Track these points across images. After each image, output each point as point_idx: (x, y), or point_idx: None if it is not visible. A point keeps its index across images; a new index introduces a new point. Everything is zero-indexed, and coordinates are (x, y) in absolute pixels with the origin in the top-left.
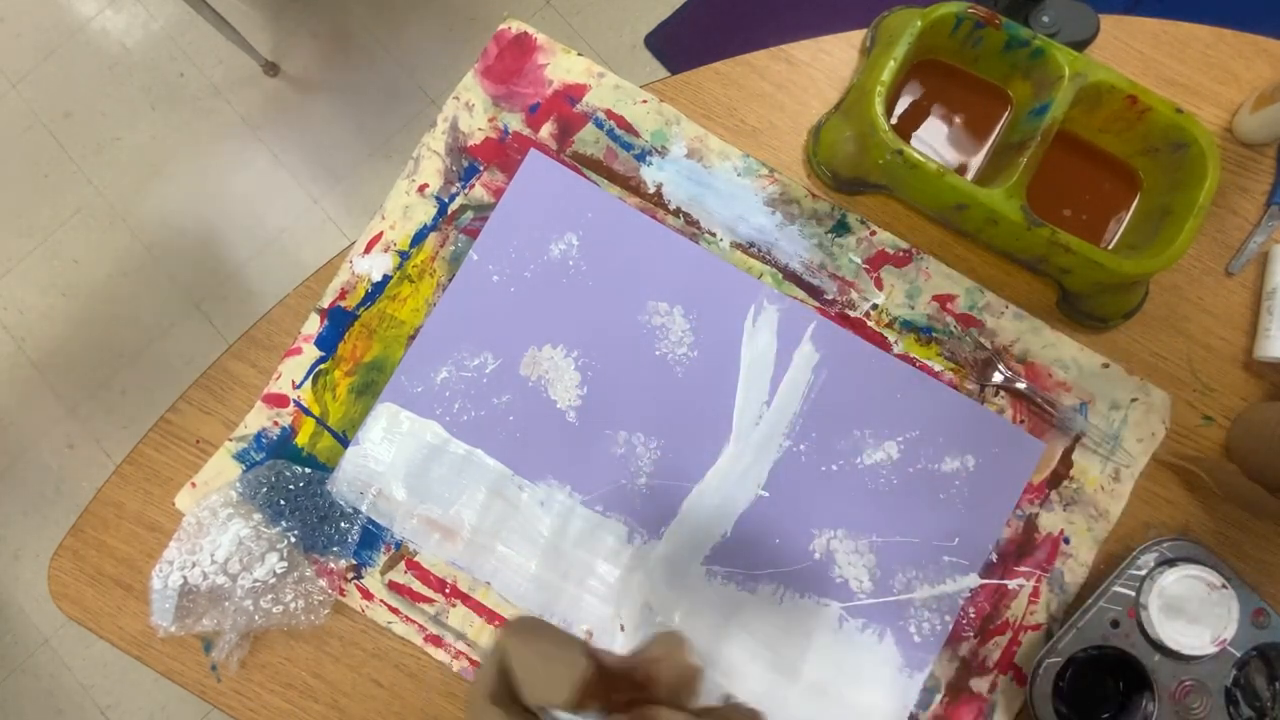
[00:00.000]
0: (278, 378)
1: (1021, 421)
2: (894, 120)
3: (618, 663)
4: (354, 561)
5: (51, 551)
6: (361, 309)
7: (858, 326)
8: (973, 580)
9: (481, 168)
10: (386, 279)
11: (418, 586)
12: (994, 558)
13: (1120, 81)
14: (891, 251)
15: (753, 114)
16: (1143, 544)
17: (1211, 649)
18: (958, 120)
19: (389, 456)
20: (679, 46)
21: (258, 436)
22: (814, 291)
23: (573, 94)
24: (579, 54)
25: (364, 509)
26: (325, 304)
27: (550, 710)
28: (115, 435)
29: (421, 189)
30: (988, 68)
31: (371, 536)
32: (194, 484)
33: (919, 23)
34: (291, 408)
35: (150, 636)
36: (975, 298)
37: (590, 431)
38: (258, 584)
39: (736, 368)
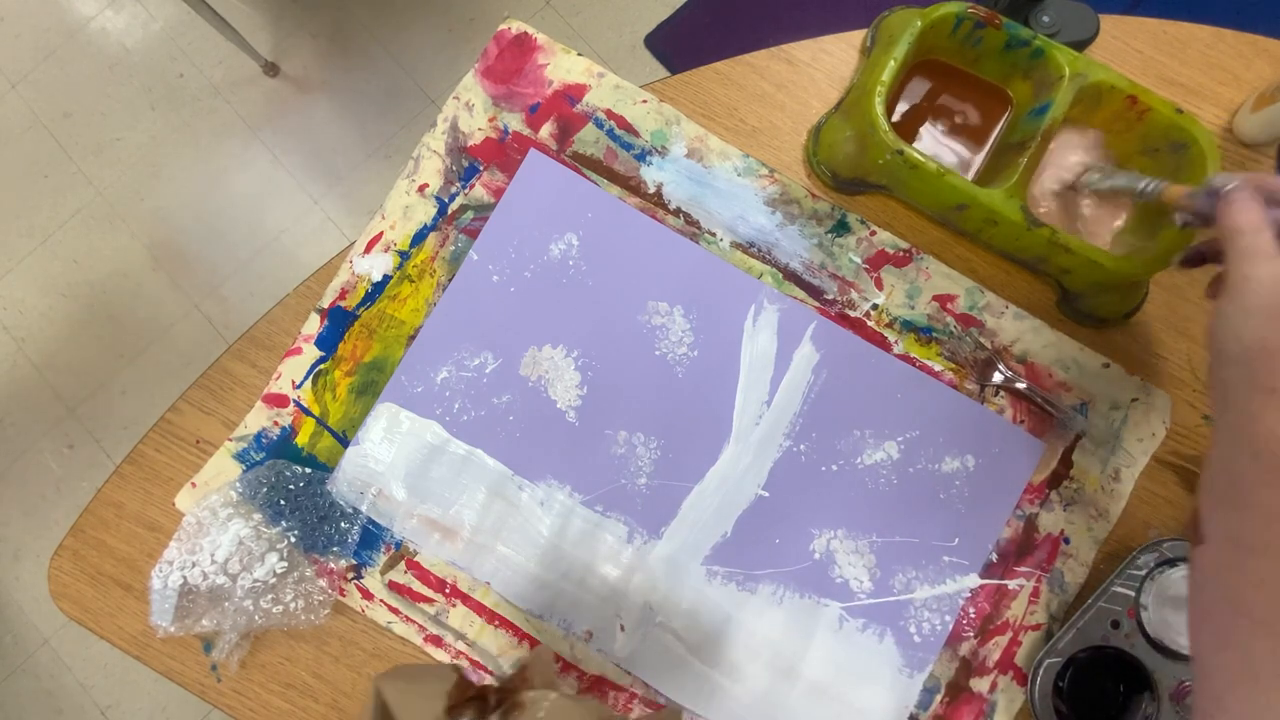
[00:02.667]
0: (278, 378)
1: (1021, 421)
2: (894, 120)
3: (491, 687)
4: (354, 561)
5: (51, 551)
6: (361, 309)
7: (858, 326)
8: (973, 580)
9: (481, 168)
10: (386, 279)
11: (418, 586)
12: (994, 558)
13: (1120, 81)
14: (891, 251)
15: (753, 114)
16: (1143, 544)
17: None
18: (958, 120)
19: (389, 456)
20: (679, 46)
21: (258, 436)
22: (814, 291)
23: (573, 94)
24: (579, 54)
25: (364, 509)
26: (325, 304)
27: None
28: (115, 435)
29: (421, 189)
30: (988, 68)
31: (371, 536)
32: (194, 484)
33: (919, 23)
34: (291, 408)
35: (150, 636)
36: (975, 298)
37: (590, 431)
38: (258, 584)
39: (736, 368)
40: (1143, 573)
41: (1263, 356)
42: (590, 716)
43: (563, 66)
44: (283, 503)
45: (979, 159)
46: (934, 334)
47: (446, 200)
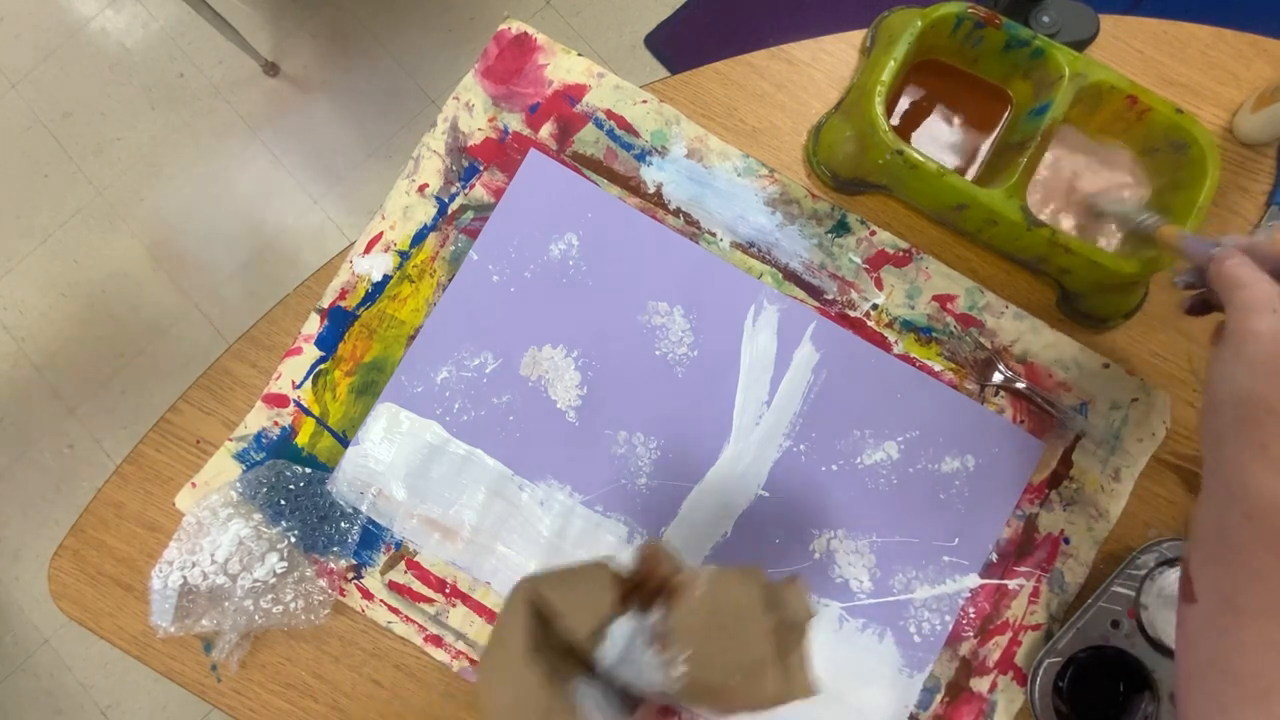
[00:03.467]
0: (278, 378)
1: (1021, 421)
2: (894, 120)
3: (639, 574)
4: (354, 561)
5: (51, 551)
6: (361, 309)
7: (858, 326)
8: (973, 580)
9: (481, 168)
10: (386, 279)
11: (418, 586)
12: (994, 558)
13: (1120, 81)
14: (891, 251)
15: (753, 114)
16: (1143, 544)
17: None
18: (958, 120)
19: (389, 456)
20: (679, 46)
21: (258, 436)
22: (814, 291)
23: (573, 94)
24: (579, 54)
25: (364, 509)
26: (325, 304)
27: (601, 631)
28: (115, 435)
29: (421, 189)
30: (988, 68)
31: (371, 536)
32: (194, 484)
33: (919, 23)
34: (291, 408)
35: (150, 636)
36: (975, 298)
37: (590, 431)
38: (258, 584)
39: (736, 368)
40: (1143, 573)
41: (1256, 411)
42: (751, 583)
43: (563, 66)
44: (283, 503)
45: (979, 159)
46: (934, 334)
47: (446, 200)
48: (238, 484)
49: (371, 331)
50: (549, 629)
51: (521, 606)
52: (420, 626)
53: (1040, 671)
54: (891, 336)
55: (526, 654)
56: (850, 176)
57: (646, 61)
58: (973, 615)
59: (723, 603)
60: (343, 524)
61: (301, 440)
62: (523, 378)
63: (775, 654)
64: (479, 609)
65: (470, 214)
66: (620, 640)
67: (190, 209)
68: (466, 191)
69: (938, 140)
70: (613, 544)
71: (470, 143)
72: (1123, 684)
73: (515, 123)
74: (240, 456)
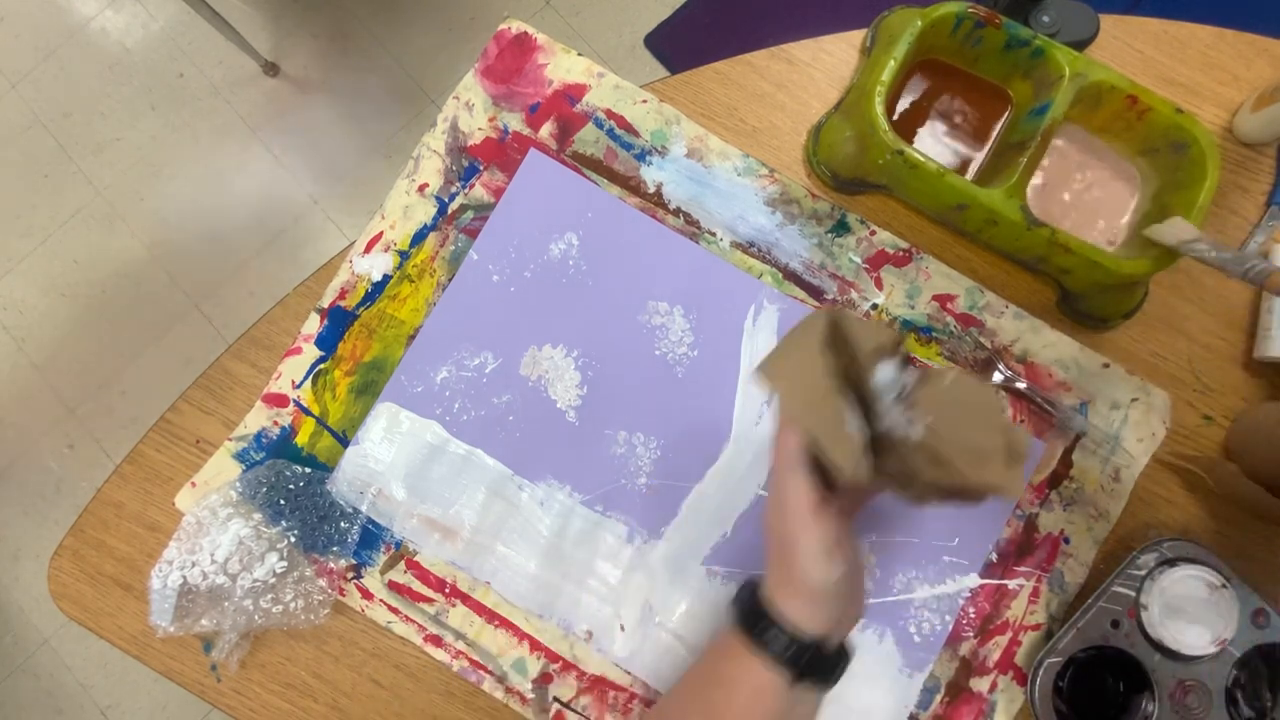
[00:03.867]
0: (278, 377)
1: (1021, 421)
2: (894, 120)
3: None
4: (354, 561)
5: (51, 551)
6: (361, 309)
7: None
8: (973, 580)
9: (481, 167)
10: (386, 279)
11: (418, 586)
12: (994, 558)
13: (1120, 81)
14: (891, 251)
15: (753, 114)
16: (1143, 544)
17: (1211, 649)
18: (958, 120)
19: (389, 456)
20: (679, 46)
21: (258, 436)
22: (814, 291)
23: (573, 94)
24: (579, 54)
25: (364, 509)
26: (325, 304)
27: (878, 361)
28: (115, 435)
29: (421, 189)
30: (988, 68)
31: (371, 536)
32: (194, 484)
33: (919, 22)
34: (291, 407)
35: (150, 636)
36: (975, 298)
37: (590, 431)
38: (258, 584)
39: (736, 367)
40: (1143, 573)
41: None
42: (992, 396)
43: (563, 66)
44: (283, 502)
45: (979, 159)
46: (934, 334)
47: (446, 200)
48: (238, 484)
49: (371, 331)
50: (839, 350)
51: (823, 317)
52: (420, 626)
53: (1040, 671)
54: None
55: (822, 345)
56: (850, 176)
57: (646, 61)
58: (973, 615)
59: (965, 396)
60: (342, 524)
61: (301, 440)
62: (523, 378)
63: (1004, 451)
64: (479, 609)
65: (470, 214)
66: (882, 379)
67: (190, 209)
68: (466, 191)
69: (938, 140)
70: (612, 544)
71: (470, 142)
72: (1123, 684)
73: (515, 122)
74: (240, 456)
